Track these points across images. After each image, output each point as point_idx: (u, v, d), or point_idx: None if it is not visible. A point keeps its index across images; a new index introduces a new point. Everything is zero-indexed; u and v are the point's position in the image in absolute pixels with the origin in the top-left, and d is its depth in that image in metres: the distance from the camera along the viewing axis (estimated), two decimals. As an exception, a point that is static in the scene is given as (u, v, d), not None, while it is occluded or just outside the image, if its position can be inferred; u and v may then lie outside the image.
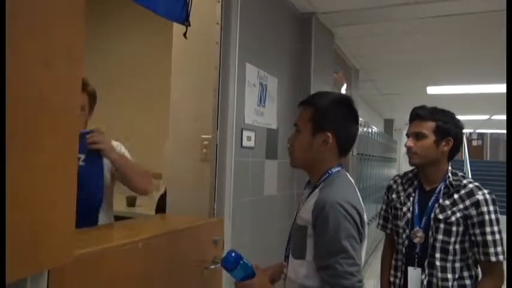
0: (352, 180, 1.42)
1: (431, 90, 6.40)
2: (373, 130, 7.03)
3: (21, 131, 0.84)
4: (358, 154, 5.31)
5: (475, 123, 12.67)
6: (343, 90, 4.49)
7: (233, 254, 1.45)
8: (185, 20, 1.98)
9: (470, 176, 13.20)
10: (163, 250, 1.62)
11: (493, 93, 6.37)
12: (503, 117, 9.79)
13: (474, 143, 21.17)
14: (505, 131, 16.54)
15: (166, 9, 1.87)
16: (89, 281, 1.28)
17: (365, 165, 6.03)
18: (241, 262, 1.43)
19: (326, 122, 1.35)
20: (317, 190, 1.34)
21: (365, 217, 1.32)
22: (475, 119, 10.96)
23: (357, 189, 1.39)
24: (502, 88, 5.87)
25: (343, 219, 1.22)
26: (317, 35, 3.33)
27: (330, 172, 1.37)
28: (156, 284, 1.60)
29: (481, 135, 20.89)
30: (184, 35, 1.98)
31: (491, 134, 20.18)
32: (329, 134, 1.34)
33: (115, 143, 1.90)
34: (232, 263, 1.43)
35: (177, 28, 2.13)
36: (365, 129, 6.26)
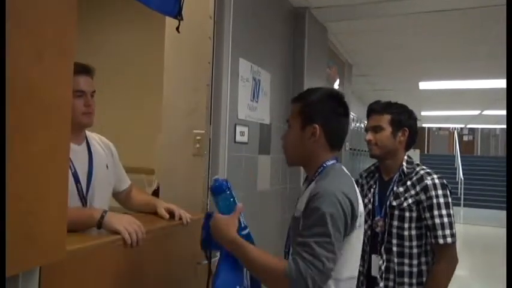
0: (348, 173, 1.44)
1: (423, 85, 6.44)
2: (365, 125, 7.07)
3: (12, 123, 0.83)
4: (350, 149, 5.33)
5: (466, 118, 12.77)
6: (336, 86, 4.49)
7: (222, 182, 1.41)
8: (178, 14, 1.96)
9: (461, 171, 13.35)
10: (156, 246, 1.61)
11: (484, 89, 6.42)
12: (494, 112, 9.88)
13: (465, 138, 21.34)
14: (495, 126, 16.72)
15: (158, 3, 1.86)
16: (81, 277, 1.27)
17: (357, 160, 6.07)
18: (226, 192, 1.39)
19: (313, 115, 1.37)
20: (313, 183, 1.36)
21: (360, 207, 1.34)
22: (466, 114, 11.05)
23: (353, 180, 1.41)
24: (493, 83, 5.92)
25: (334, 208, 1.22)
26: (310, 29, 3.33)
27: (325, 165, 1.38)
28: (148, 280, 1.60)
29: (472, 130, 21.06)
30: (177, 29, 1.97)
31: (482, 129, 20.36)
32: (316, 126, 1.36)
33: (108, 144, 1.78)
34: (217, 188, 1.39)
35: (170, 22, 2.12)
36: (357, 124, 6.29)
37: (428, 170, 1.86)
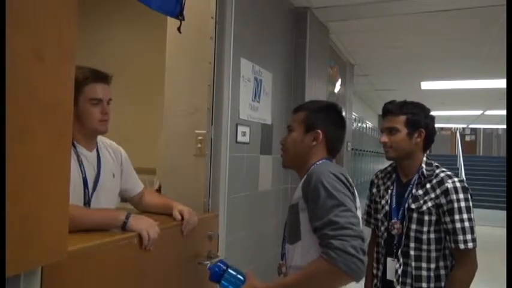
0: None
1: (425, 85, 6.42)
2: (367, 125, 7.06)
3: (11, 123, 0.83)
4: (352, 149, 5.32)
5: (468, 119, 12.74)
6: (337, 86, 4.49)
7: (217, 267, 1.49)
8: (179, 14, 1.96)
9: (463, 171, 13.31)
10: (158, 245, 1.61)
11: (486, 89, 6.40)
12: (497, 112, 9.85)
13: (467, 138, 21.30)
14: (498, 126, 16.68)
15: (160, 3, 1.85)
16: (83, 277, 1.27)
17: (359, 160, 6.06)
18: (228, 271, 1.47)
19: (317, 122, 1.50)
20: (305, 176, 1.43)
21: (355, 189, 1.41)
22: (468, 114, 11.02)
23: (345, 170, 1.51)
24: (495, 83, 5.90)
25: (332, 181, 1.30)
26: (312, 29, 3.32)
27: (317, 163, 1.47)
28: (150, 280, 1.60)
29: (474, 130, 21.01)
30: (179, 29, 1.96)
31: (485, 129, 20.30)
32: (319, 131, 1.49)
33: (119, 151, 1.82)
34: (216, 275, 1.48)
35: (171, 22, 2.12)
36: (359, 124, 6.28)
37: (448, 173, 1.81)
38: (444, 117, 11.79)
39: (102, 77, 1.60)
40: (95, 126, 1.59)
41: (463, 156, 14.55)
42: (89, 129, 1.60)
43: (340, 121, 1.56)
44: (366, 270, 2.01)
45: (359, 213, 1.42)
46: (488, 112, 10.13)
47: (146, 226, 1.48)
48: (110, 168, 1.70)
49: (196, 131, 2.20)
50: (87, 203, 1.59)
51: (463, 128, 18.24)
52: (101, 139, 1.73)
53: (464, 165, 13.90)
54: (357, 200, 1.43)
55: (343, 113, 1.62)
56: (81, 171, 1.56)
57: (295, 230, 1.38)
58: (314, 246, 1.29)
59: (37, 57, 0.88)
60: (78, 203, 1.54)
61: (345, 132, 1.61)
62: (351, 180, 1.41)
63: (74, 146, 1.56)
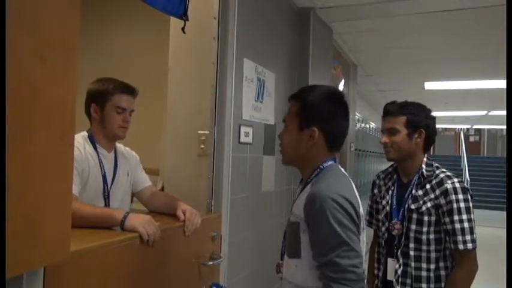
0: (346, 173, 1.41)
1: (429, 85, 6.40)
2: (371, 126, 7.04)
3: (14, 123, 0.83)
4: (356, 150, 5.31)
5: (472, 119, 12.69)
6: (341, 86, 4.48)
7: None
8: (183, 15, 1.96)
9: (467, 171, 13.25)
10: (161, 246, 1.61)
11: (490, 89, 6.38)
12: (501, 112, 9.81)
13: (471, 138, 21.22)
14: (502, 127, 16.60)
15: (164, 3, 1.86)
16: (85, 277, 1.27)
17: (363, 161, 6.04)
18: None
19: (312, 117, 1.32)
20: (309, 186, 1.32)
21: (361, 210, 1.31)
22: (472, 114, 10.98)
23: (351, 181, 1.37)
24: (499, 84, 5.87)
25: (336, 212, 1.19)
26: (315, 30, 3.32)
27: (322, 167, 1.34)
28: (153, 281, 1.60)
29: (479, 131, 20.93)
30: (183, 29, 1.97)
31: (489, 129, 20.22)
32: (315, 129, 1.31)
33: (132, 153, 2.00)
34: None
35: (174, 23, 2.12)
36: (363, 125, 6.27)
37: (448, 173, 1.80)
38: (448, 117, 11.76)
39: (129, 90, 1.82)
40: (115, 131, 1.79)
41: (467, 157, 14.49)
42: (110, 132, 1.80)
43: (341, 111, 1.36)
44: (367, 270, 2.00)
45: (363, 247, 1.32)
46: (492, 112, 10.09)
47: (142, 222, 1.52)
48: (124, 168, 1.89)
49: (199, 132, 2.21)
50: (106, 197, 1.77)
51: (467, 129, 18.17)
52: (118, 145, 1.94)
53: (468, 166, 13.84)
54: (363, 230, 1.32)
55: (345, 100, 1.40)
56: (101, 168, 1.76)
57: (294, 246, 1.30)
58: (314, 268, 1.24)
59: (40, 58, 0.88)
60: (99, 196, 1.74)
61: (348, 123, 1.42)
62: (356, 205, 1.26)
63: (95, 147, 1.77)
